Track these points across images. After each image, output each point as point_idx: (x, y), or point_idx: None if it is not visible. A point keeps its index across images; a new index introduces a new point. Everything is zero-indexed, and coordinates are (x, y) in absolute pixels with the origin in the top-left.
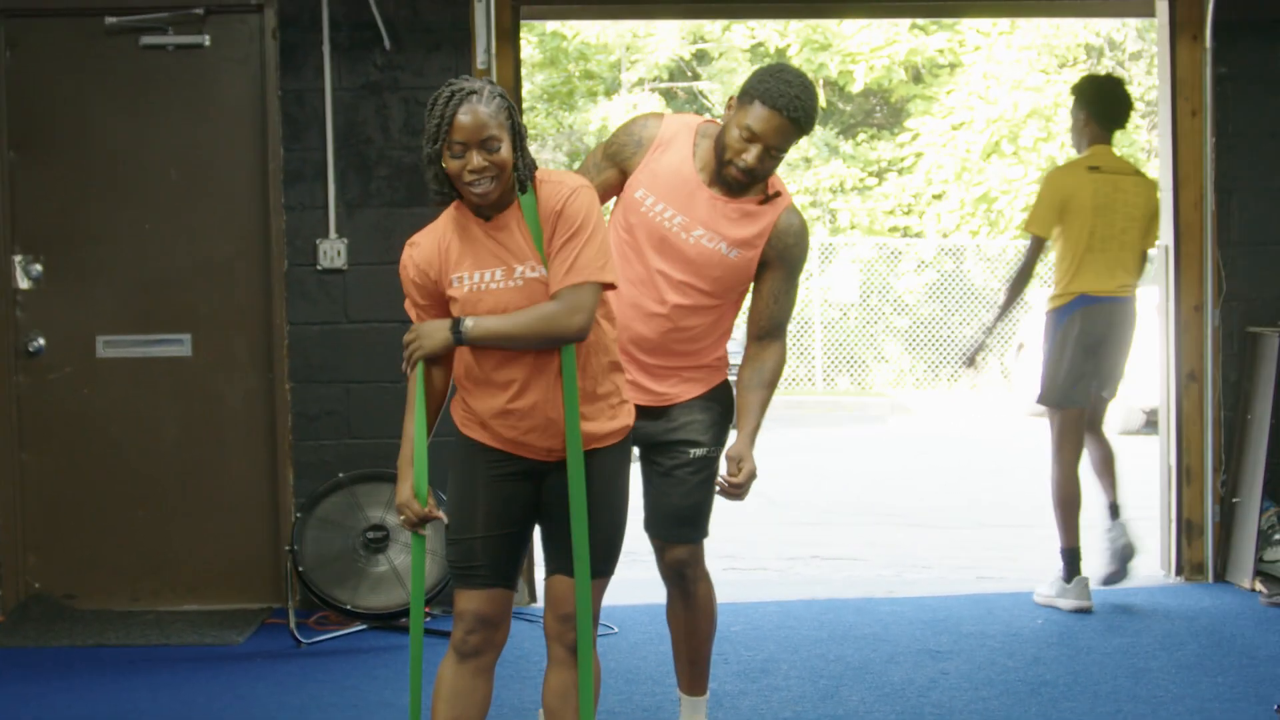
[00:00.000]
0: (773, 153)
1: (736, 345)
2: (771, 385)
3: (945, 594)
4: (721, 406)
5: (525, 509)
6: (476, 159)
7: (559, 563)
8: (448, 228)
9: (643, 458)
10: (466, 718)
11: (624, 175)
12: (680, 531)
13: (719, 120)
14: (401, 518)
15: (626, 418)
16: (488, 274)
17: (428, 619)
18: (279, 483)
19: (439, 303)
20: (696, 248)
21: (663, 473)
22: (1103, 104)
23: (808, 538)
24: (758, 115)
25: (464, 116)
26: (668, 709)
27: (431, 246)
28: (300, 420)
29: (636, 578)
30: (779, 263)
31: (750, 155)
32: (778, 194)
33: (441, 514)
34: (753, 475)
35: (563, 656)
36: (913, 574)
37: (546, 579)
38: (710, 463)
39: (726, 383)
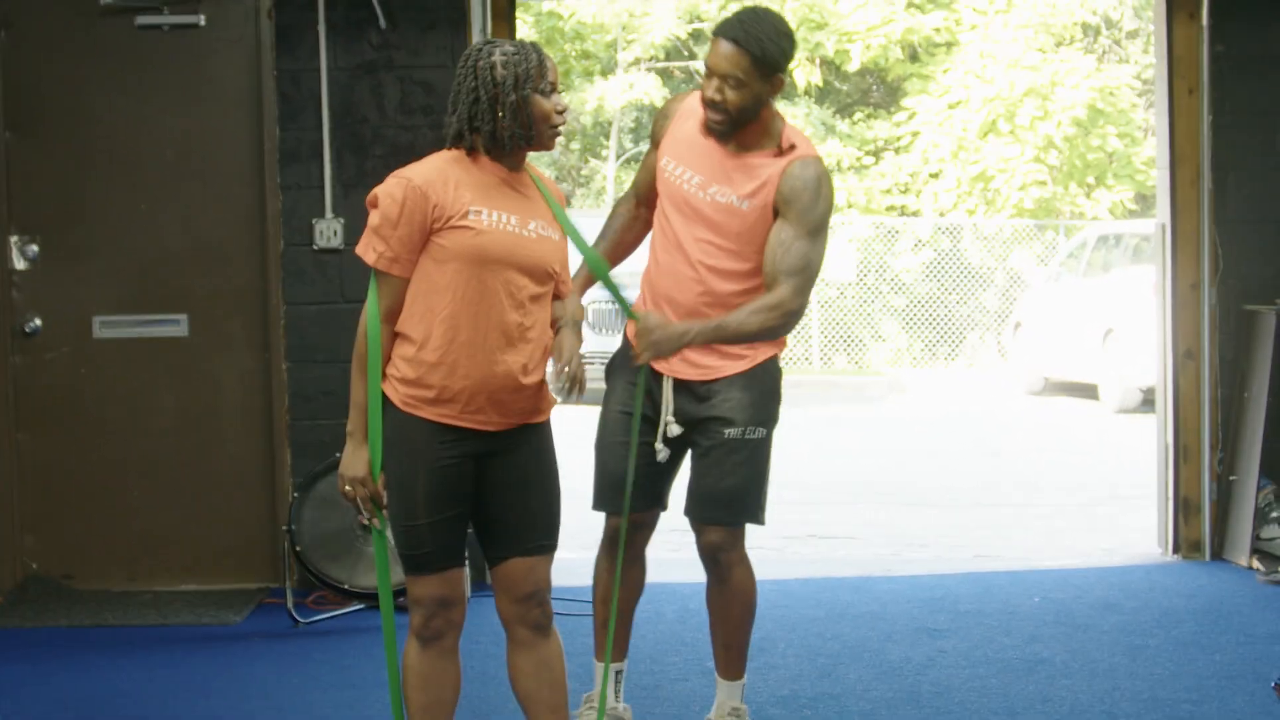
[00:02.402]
0: (730, 83)
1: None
2: (742, 318)
3: (942, 572)
4: (765, 386)
5: (469, 490)
6: (561, 101)
7: (508, 546)
8: (450, 169)
9: (688, 438)
10: (442, 699)
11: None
12: (715, 514)
13: None
14: (347, 489)
15: (553, 400)
16: (504, 215)
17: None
18: (276, 462)
19: (415, 241)
20: (712, 204)
21: (700, 453)
22: None
23: (805, 517)
24: (710, 49)
25: (548, 62)
26: (667, 687)
27: (436, 178)
28: (297, 400)
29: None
30: (786, 209)
31: (709, 89)
32: (793, 146)
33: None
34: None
35: (525, 637)
36: (910, 553)
37: (492, 567)
38: (748, 445)
39: (774, 361)
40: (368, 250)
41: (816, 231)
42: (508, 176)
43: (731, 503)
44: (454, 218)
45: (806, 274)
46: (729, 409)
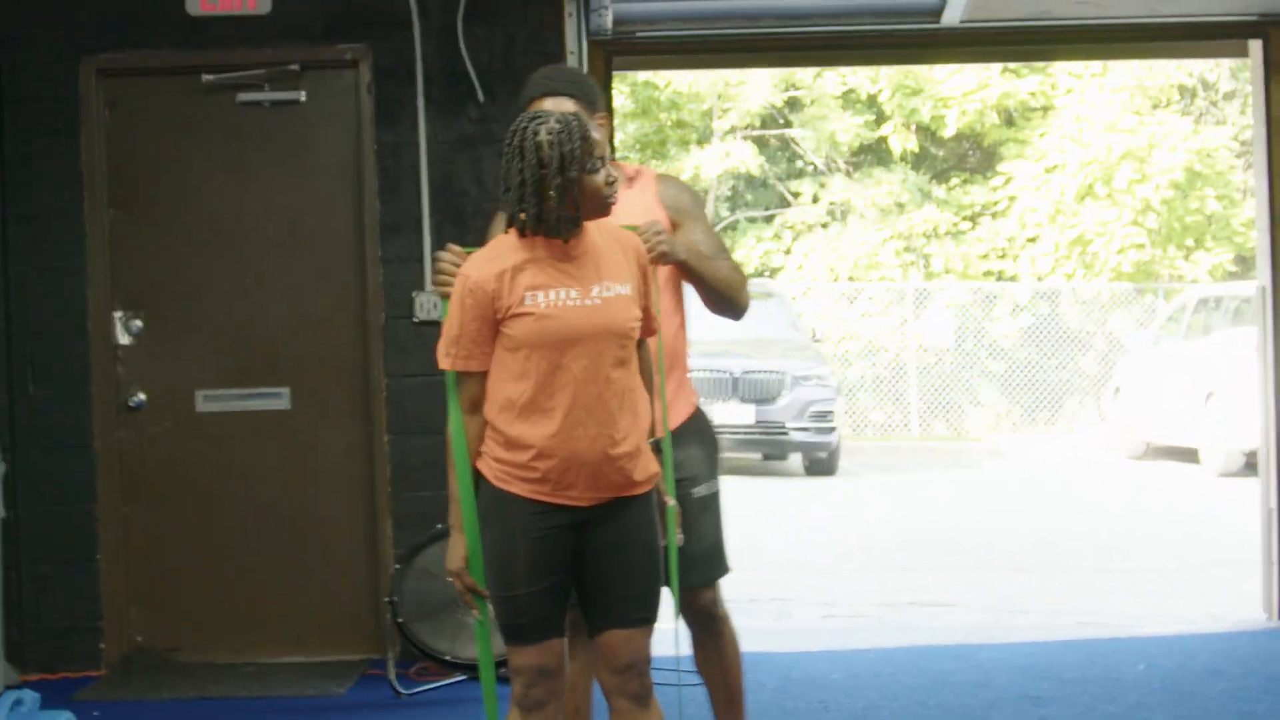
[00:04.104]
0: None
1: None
2: (724, 263)
3: (1045, 639)
4: (709, 436)
5: (567, 559)
6: (610, 172)
7: (606, 617)
8: (504, 255)
9: None
10: None
11: None
12: (703, 575)
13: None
14: (449, 580)
15: (653, 466)
16: (563, 292)
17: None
18: (378, 534)
19: (485, 336)
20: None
21: None
22: None
23: (904, 583)
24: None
25: (595, 133)
26: None
27: (490, 270)
28: (399, 471)
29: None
30: (679, 218)
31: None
32: (636, 174)
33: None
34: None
35: (625, 708)
36: (1011, 619)
37: (593, 637)
38: (714, 499)
39: (700, 412)
40: (443, 357)
41: (711, 227)
42: (565, 247)
43: (713, 559)
44: (513, 306)
45: (728, 256)
46: (691, 468)
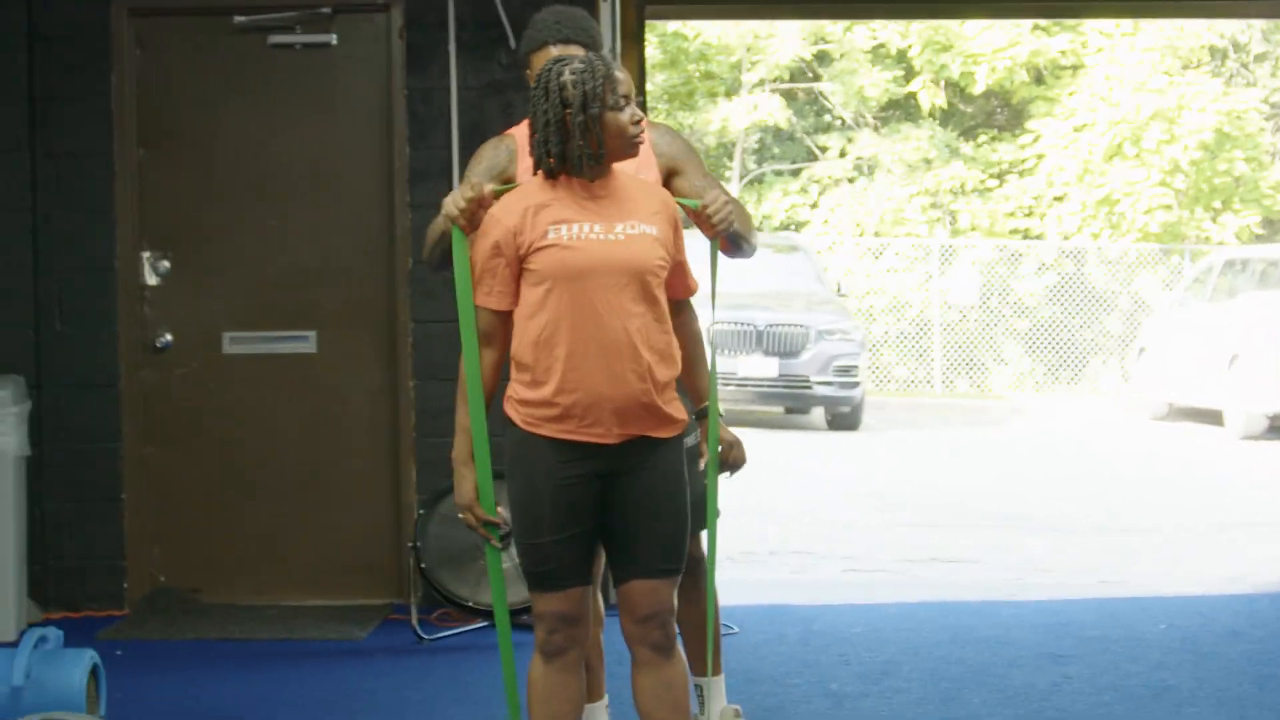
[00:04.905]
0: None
1: None
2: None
3: (1067, 598)
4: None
5: (593, 508)
6: (636, 110)
7: (630, 568)
8: (532, 195)
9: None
10: (563, 714)
11: None
12: (695, 523)
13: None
14: (460, 515)
15: (681, 412)
16: (586, 226)
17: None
18: (402, 479)
19: (509, 275)
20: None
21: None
22: None
23: (926, 540)
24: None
25: (619, 73)
26: (790, 709)
27: (516, 207)
28: (423, 417)
29: (757, 578)
30: (676, 167)
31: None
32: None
33: (503, 518)
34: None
35: (648, 657)
36: (1033, 578)
37: (617, 586)
38: (697, 448)
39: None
40: (486, 280)
41: (707, 171)
42: (591, 187)
43: (700, 508)
44: (536, 240)
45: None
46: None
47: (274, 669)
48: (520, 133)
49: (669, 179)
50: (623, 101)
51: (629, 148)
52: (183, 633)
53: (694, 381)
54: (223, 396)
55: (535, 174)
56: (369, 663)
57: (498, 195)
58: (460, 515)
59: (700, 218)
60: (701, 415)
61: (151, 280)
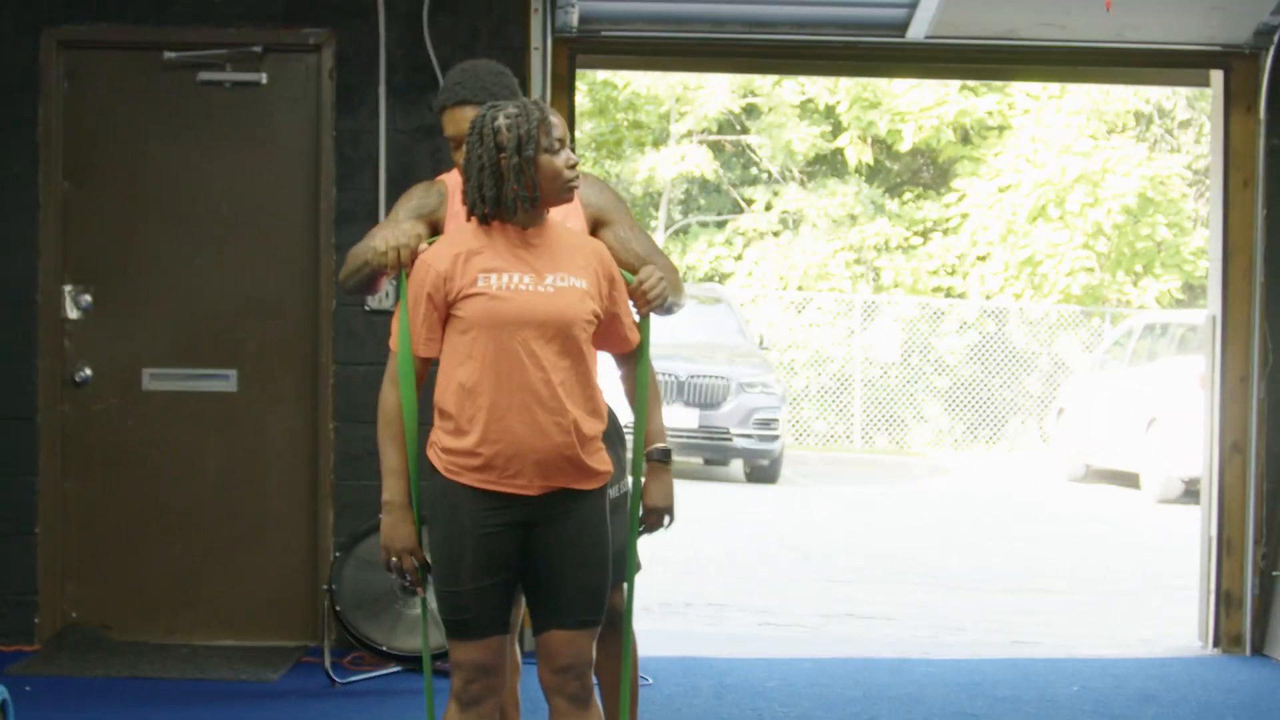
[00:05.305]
0: None
1: None
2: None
3: (981, 657)
4: (613, 439)
5: (514, 557)
6: (570, 155)
7: (550, 617)
8: (464, 240)
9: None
10: None
11: None
12: (616, 575)
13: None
14: (394, 560)
15: (606, 464)
16: (515, 276)
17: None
18: (319, 521)
19: (436, 320)
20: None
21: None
22: None
23: (842, 595)
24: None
25: (553, 117)
26: None
27: (447, 253)
28: (343, 459)
29: (673, 629)
30: (603, 218)
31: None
32: None
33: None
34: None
35: (564, 708)
36: (948, 636)
37: (536, 635)
38: (623, 500)
39: (610, 411)
40: (393, 338)
41: (635, 222)
42: (525, 235)
43: (622, 559)
44: (465, 287)
45: (660, 254)
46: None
47: (185, 709)
48: (452, 179)
49: (596, 229)
50: (558, 145)
51: (564, 191)
52: (93, 670)
53: (647, 424)
54: (141, 433)
55: (469, 220)
56: (281, 705)
57: (429, 243)
58: (393, 558)
59: (635, 294)
60: (651, 457)
61: (73, 314)
